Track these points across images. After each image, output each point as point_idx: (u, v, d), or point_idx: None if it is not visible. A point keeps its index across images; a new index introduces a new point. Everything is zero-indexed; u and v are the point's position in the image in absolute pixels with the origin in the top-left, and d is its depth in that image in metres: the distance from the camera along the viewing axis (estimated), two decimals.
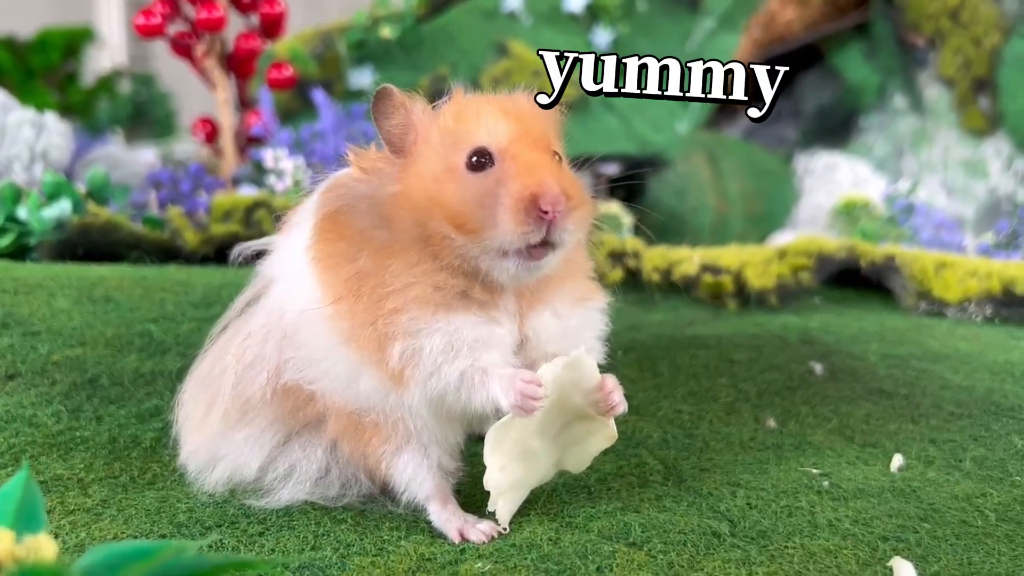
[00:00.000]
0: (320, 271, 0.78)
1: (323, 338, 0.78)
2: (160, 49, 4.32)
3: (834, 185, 2.63)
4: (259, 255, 0.89)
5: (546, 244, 0.73)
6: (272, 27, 1.83)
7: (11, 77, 3.98)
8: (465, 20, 2.27)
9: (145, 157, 2.31)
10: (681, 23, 2.40)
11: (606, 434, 0.82)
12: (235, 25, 1.84)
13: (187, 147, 3.41)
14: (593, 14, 2.39)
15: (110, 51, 4.83)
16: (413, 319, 0.74)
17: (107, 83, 4.28)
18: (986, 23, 2.50)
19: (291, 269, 0.82)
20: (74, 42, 4.21)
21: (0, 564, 0.49)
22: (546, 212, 0.71)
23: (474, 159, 0.74)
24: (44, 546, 0.50)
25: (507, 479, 0.78)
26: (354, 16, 2.25)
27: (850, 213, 2.37)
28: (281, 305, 0.82)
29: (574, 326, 0.81)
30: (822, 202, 2.60)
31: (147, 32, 1.72)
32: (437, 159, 0.75)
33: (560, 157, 0.78)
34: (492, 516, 0.80)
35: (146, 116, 4.43)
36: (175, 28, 1.78)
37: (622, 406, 0.79)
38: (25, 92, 3.96)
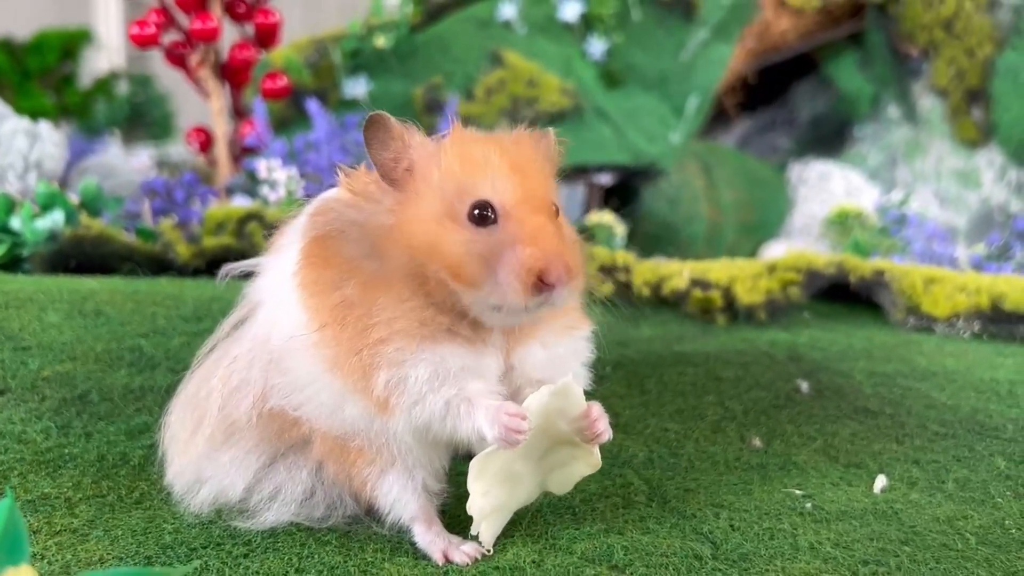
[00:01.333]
0: (306, 297, 0.78)
1: (308, 365, 0.78)
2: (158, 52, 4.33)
3: (827, 194, 2.64)
4: (247, 273, 0.89)
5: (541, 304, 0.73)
6: (267, 37, 1.83)
7: (8, 79, 3.99)
8: (459, 29, 2.28)
9: (141, 160, 2.32)
10: (675, 33, 2.41)
11: (590, 462, 0.83)
12: (230, 34, 1.85)
13: (183, 149, 3.41)
14: (587, 24, 2.40)
15: (108, 53, 4.84)
16: (399, 350, 0.75)
17: (104, 85, 4.28)
18: (979, 34, 2.51)
19: (277, 293, 0.82)
20: (72, 44, 4.22)
21: None
22: (552, 285, 0.71)
23: (477, 212, 0.73)
24: None
25: (490, 503, 0.79)
26: (349, 25, 2.26)
27: (843, 223, 2.38)
28: (267, 330, 0.82)
29: (560, 354, 0.81)
30: (815, 211, 2.62)
31: (142, 42, 1.73)
32: (437, 202, 0.74)
33: (558, 210, 0.78)
34: (476, 538, 0.81)
35: (143, 118, 4.43)
36: (169, 38, 1.79)
37: (607, 434, 0.80)
38: (22, 94, 3.96)
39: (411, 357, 0.75)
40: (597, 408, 0.80)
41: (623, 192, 2.31)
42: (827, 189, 2.64)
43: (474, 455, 0.93)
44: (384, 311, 0.75)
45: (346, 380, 0.76)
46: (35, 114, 2.35)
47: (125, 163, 2.14)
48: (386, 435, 0.78)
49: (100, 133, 3.57)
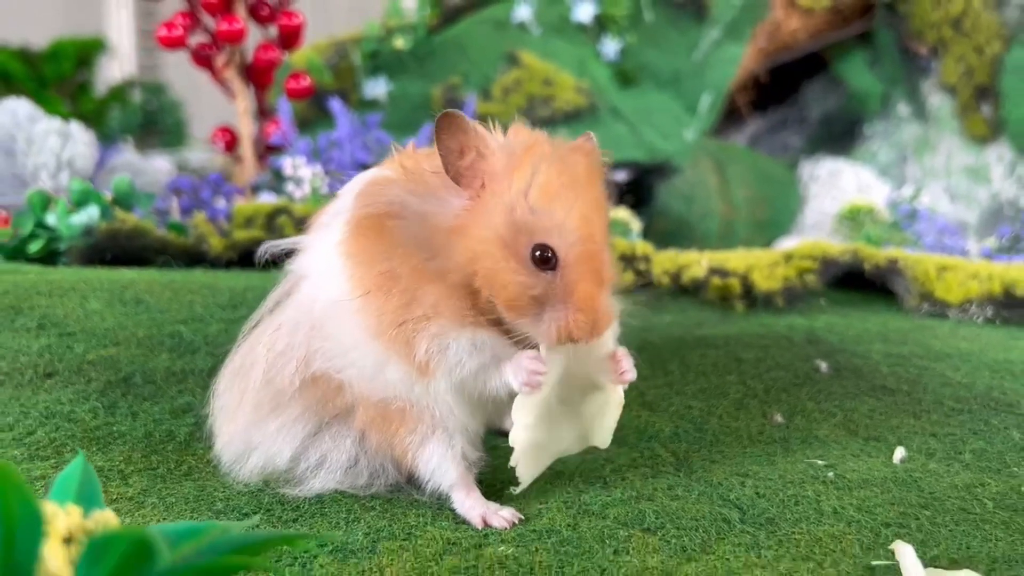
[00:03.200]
0: (352, 265, 0.81)
1: (351, 331, 0.82)
2: (170, 59, 4.38)
3: (839, 191, 2.68)
4: (286, 255, 0.93)
5: None
6: (290, 38, 1.88)
7: (25, 87, 4.05)
8: (476, 31, 2.32)
9: (161, 165, 2.36)
10: (688, 33, 2.45)
11: (616, 400, 0.87)
12: (253, 35, 1.89)
13: (200, 155, 3.46)
14: (601, 24, 2.44)
15: (120, 61, 4.89)
16: (441, 327, 0.79)
17: (119, 93, 4.34)
18: (988, 32, 2.54)
19: (321, 264, 0.85)
20: (86, 52, 4.27)
21: (72, 537, 0.53)
22: (579, 341, 0.78)
23: (538, 253, 0.76)
24: (110, 520, 0.55)
25: (531, 437, 0.82)
26: (367, 27, 2.30)
27: (854, 219, 2.42)
28: (311, 298, 0.85)
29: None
30: (827, 208, 2.65)
31: (169, 43, 1.77)
32: (504, 226, 0.77)
33: (607, 252, 0.81)
34: (511, 499, 0.85)
35: (156, 125, 4.49)
36: (196, 39, 1.83)
37: (631, 374, 0.84)
38: (39, 101, 4.01)
39: (452, 333, 0.79)
40: (622, 350, 0.84)
41: (638, 189, 2.34)
42: (838, 186, 2.67)
43: (503, 431, 0.97)
44: (429, 297, 0.79)
45: (388, 347, 0.80)
46: None
47: (148, 165, 2.18)
48: (426, 397, 0.82)
49: (114, 140, 3.62)
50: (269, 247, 0.92)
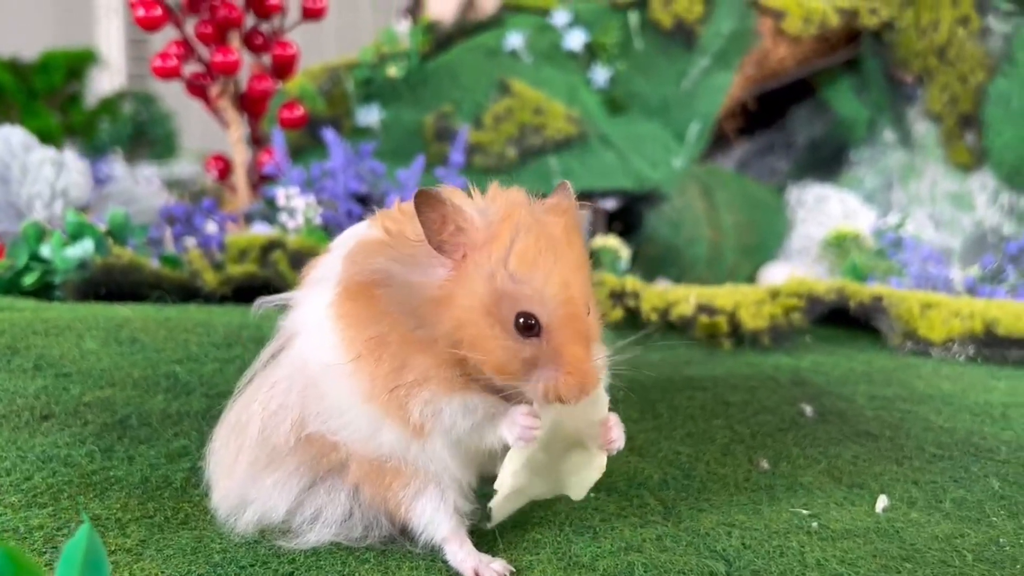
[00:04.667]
0: (342, 328, 0.83)
1: (344, 393, 0.84)
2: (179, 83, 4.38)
3: (825, 216, 2.71)
4: (280, 307, 0.94)
5: None
6: (284, 68, 1.90)
7: (15, 98, 4.05)
8: (468, 58, 2.34)
9: (151, 182, 2.36)
10: (677, 62, 2.48)
11: (598, 465, 0.89)
12: (247, 64, 1.91)
13: (188, 168, 3.47)
14: (592, 53, 2.47)
15: (109, 73, 4.89)
16: (433, 393, 0.81)
17: (110, 105, 4.34)
18: (972, 61, 2.58)
19: (313, 323, 0.87)
20: (77, 64, 4.27)
21: None
22: (566, 402, 0.79)
23: (521, 321, 0.78)
24: None
25: (514, 481, 0.85)
26: (361, 52, 2.32)
27: (840, 245, 2.45)
28: (304, 357, 0.87)
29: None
30: (813, 233, 2.68)
31: (164, 74, 1.79)
32: (487, 295, 0.79)
33: (589, 309, 0.83)
34: (502, 551, 0.87)
35: (146, 136, 4.49)
36: (190, 69, 1.85)
37: (619, 443, 0.86)
38: (28, 113, 4.02)
39: (445, 399, 0.81)
40: (614, 418, 0.86)
41: (626, 216, 2.37)
42: (824, 211, 2.70)
43: (495, 475, 0.99)
44: (420, 365, 0.81)
45: (382, 410, 0.82)
46: (41, 134, 2.40)
47: (140, 187, 2.19)
48: (422, 456, 0.84)
49: (104, 152, 3.62)
50: (263, 303, 0.94)
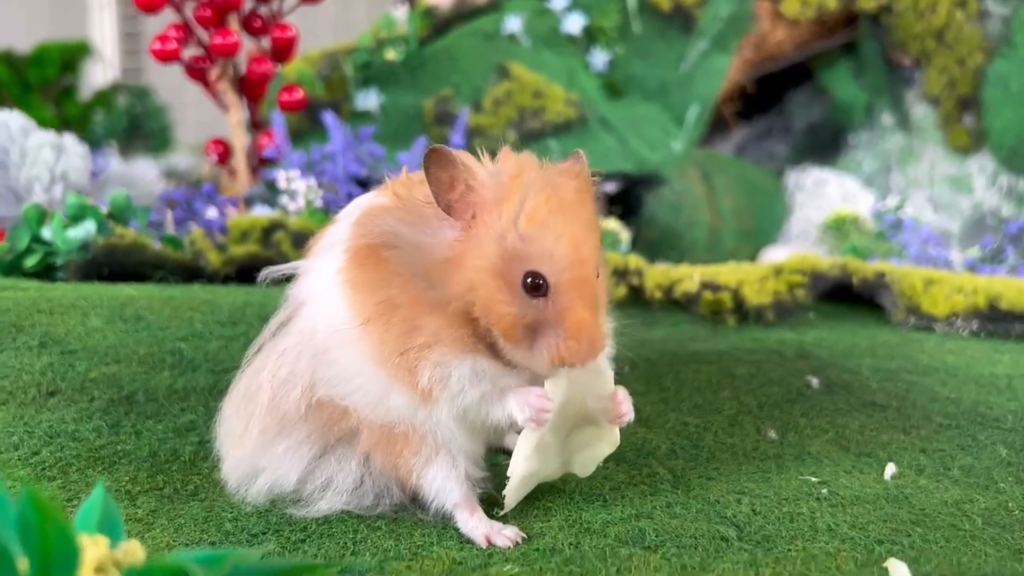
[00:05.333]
0: (351, 292, 0.83)
1: (353, 358, 0.83)
2: (154, 63, 4.38)
3: (824, 200, 2.71)
4: (286, 278, 0.94)
5: None
6: (283, 51, 1.89)
7: (9, 91, 4.03)
8: (466, 42, 2.34)
9: (148, 171, 2.35)
10: (675, 45, 2.48)
11: (611, 440, 0.89)
12: (246, 47, 1.90)
13: (185, 160, 3.45)
14: (590, 36, 2.46)
15: (103, 66, 4.87)
16: (443, 355, 0.81)
17: (104, 97, 4.33)
18: (970, 44, 2.58)
19: (321, 290, 0.87)
20: (71, 56, 4.26)
21: (102, 568, 0.55)
22: (571, 365, 0.80)
23: (529, 280, 0.78)
24: (135, 550, 0.56)
25: (527, 466, 0.85)
26: (359, 38, 2.31)
27: (840, 228, 2.45)
28: (312, 324, 0.87)
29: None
30: (812, 217, 2.68)
31: (163, 57, 1.78)
32: (496, 255, 0.78)
33: (599, 272, 0.82)
34: (512, 518, 0.87)
35: (141, 130, 4.47)
36: (189, 53, 1.84)
37: (629, 416, 0.87)
38: (23, 106, 4.01)
39: (454, 361, 0.81)
40: (623, 391, 0.87)
41: (627, 199, 2.37)
42: (823, 195, 2.70)
43: (504, 449, 0.99)
44: (430, 326, 0.80)
45: (391, 374, 0.82)
46: None
47: (139, 174, 2.18)
48: (429, 422, 0.84)
49: (99, 145, 3.61)
50: (269, 272, 0.94)
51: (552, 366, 0.80)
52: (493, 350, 0.82)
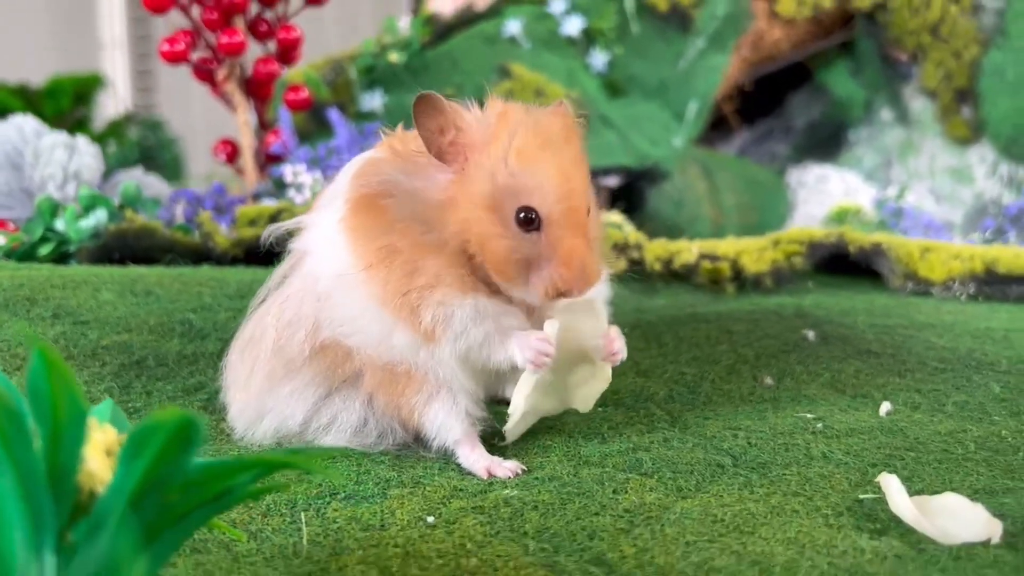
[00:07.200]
0: (353, 239, 0.86)
1: (357, 300, 0.86)
2: (165, 96, 4.45)
3: (826, 196, 2.73)
4: (290, 236, 0.97)
5: None
6: (288, 52, 1.94)
7: None
8: (468, 45, 2.39)
9: (161, 185, 2.39)
10: (673, 44, 2.52)
11: (603, 376, 0.92)
12: (252, 52, 1.95)
13: (196, 188, 3.50)
14: (589, 38, 2.51)
15: (115, 98, 4.95)
16: (445, 295, 0.83)
17: (117, 128, 4.40)
18: (965, 37, 2.61)
19: (324, 240, 0.90)
20: (84, 89, 4.34)
21: (111, 451, 0.57)
22: (568, 294, 0.82)
23: (522, 215, 0.81)
24: None
25: (526, 405, 0.87)
26: (362, 44, 2.37)
27: (842, 221, 2.47)
28: (316, 271, 0.90)
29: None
30: (815, 212, 2.70)
31: (172, 58, 1.83)
32: (488, 193, 0.81)
33: (590, 209, 0.85)
34: (513, 453, 0.89)
35: (154, 160, 4.54)
36: (196, 55, 1.89)
37: (622, 354, 0.89)
38: None
39: (456, 301, 0.83)
40: (615, 330, 0.89)
41: (629, 194, 2.40)
42: (825, 191, 2.73)
43: (503, 399, 1.02)
44: (431, 268, 0.83)
45: (394, 314, 0.85)
46: None
47: (150, 182, 2.22)
48: (431, 361, 0.86)
49: (112, 175, 3.66)
50: (273, 229, 0.97)
51: (547, 297, 0.83)
52: (493, 288, 0.85)
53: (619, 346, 0.89)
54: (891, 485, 0.78)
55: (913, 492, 0.79)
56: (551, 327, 0.86)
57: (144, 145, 4.59)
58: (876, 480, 0.82)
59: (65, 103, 4.32)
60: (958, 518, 0.74)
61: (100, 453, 0.57)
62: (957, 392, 1.04)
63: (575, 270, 0.81)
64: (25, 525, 0.52)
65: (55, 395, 0.50)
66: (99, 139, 4.35)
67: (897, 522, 0.76)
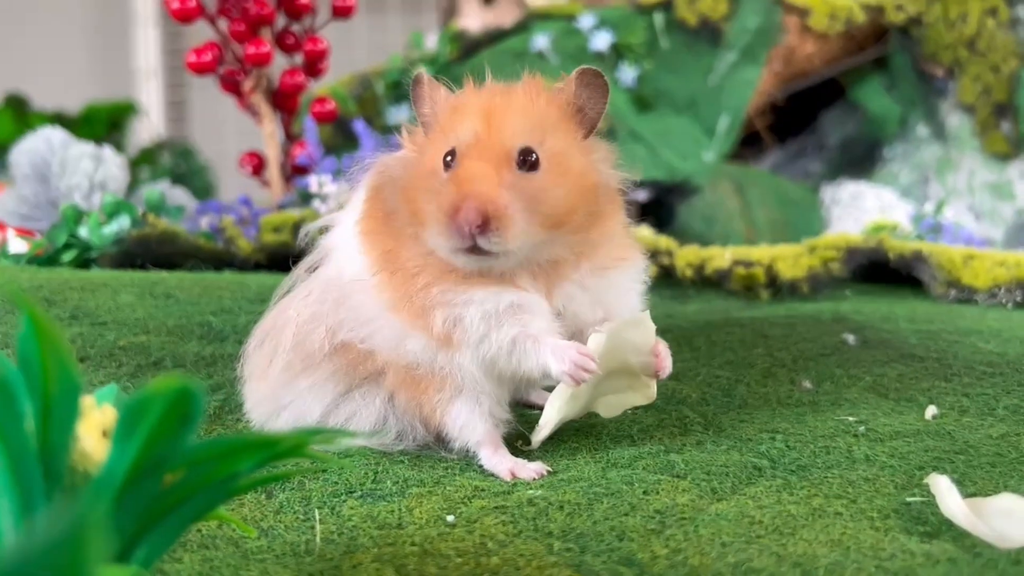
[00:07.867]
0: (365, 244, 0.85)
1: (371, 304, 0.84)
2: (196, 125, 4.48)
3: (861, 212, 2.67)
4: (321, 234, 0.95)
5: (481, 251, 0.75)
6: (315, 64, 1.93)
7: None
8: (495, 60, 2.37)
9: (189, 199, 2.39)
10: (703, 58, 2.49)
11: (646, 393, 0.88)
12: (279, 64, 1.94)
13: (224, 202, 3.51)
14: (618, 53, 2.48)
15: (149, 125, 5.00)
16: (444, 291, 0.80)
17: (149, 155, 4.45)
18: (1003, 50, 2.56)
19: (346, 239, 0.88)
20: (118, 116, 4.39)
21: (107, 433, 0.54)
22: (463, 226, 0.74)
23: (448, 159, 0.78)
24: None
25: (559, 417, 0.84)
26: (390, 59, 2.36)
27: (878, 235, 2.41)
28: (337, 270, 0.88)
29: (605, 291, 0.85)
30: (850, 228, 2.64)
31: (199, 69, 1.82)
32: (433, 153, 0.80)
33: (533, 163, 0.77)
34: (527, 454, 0.85)
35: (186, 187, 4.57)
36: (224, 67, 1.88)
37: (668, 370, 0.85)
38: None
39: (459, 298, 0.79)
40: (663, 345, 0.85)
41: (659, 209, 2.35)
42: (861, 207, 2.66)
43: (529, 403, 0.98)
44: (413, 260, 0.81)
45: (406, 320, 0.81)
46: None
47: (179, 196, 2.22)
48: (450, 366, 0.82)
49: None
50: (308, 228, 0.95)
51: (440, 227, 0.75)
52: (496, 276, 0.80)
53: (667, 363, 0.85)
54: (941, 486, 0.73)
55: (965, 496, 0.74)
56: (595, 342, 0.81)
57: (176, 172, 4.64)
58: (924, 482, 0.77)
59: (100, 130, 4.37)
60: (1017, 520, 0.68)
61: (97, 433, 0.54)
62: (1008, 396, 0.99)
63: (463, 187, 0.75)
64: (13, 502, 0.49)
65: (46, 362, 0.47)
66: (133, 164, 4.40)
67: (949, 525, 0.71)
